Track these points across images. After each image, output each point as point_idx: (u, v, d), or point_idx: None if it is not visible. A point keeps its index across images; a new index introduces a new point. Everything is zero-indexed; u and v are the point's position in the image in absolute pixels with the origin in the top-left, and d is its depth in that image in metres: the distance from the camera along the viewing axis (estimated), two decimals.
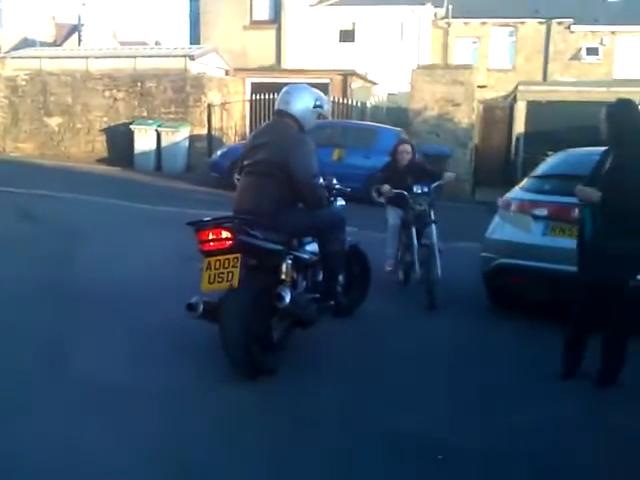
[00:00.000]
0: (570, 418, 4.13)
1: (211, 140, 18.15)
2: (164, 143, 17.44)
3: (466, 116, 17.27)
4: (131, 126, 17.66)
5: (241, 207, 4.72)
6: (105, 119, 18.64)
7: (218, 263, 4.35)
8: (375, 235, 7.85)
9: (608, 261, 4.39)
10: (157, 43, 39.02)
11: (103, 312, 5.59)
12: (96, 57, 19.34)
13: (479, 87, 19.95)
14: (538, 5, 27.88)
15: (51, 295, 5.94)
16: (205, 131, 18.19)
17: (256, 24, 25.44)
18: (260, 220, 4.49)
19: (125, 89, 18.49)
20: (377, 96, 20.62)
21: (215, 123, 18.37)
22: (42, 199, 11.12)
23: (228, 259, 4.32)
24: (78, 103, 18.72)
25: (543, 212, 5.92)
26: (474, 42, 28.77)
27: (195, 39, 25.68)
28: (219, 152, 15.75)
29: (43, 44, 29.23)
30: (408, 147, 7.40)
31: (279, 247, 4.52)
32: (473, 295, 6.60)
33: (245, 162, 4.89)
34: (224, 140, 18.44)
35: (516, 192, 6.47)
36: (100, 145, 18.76)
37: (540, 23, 28.12)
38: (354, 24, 26.25)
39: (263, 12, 25.66)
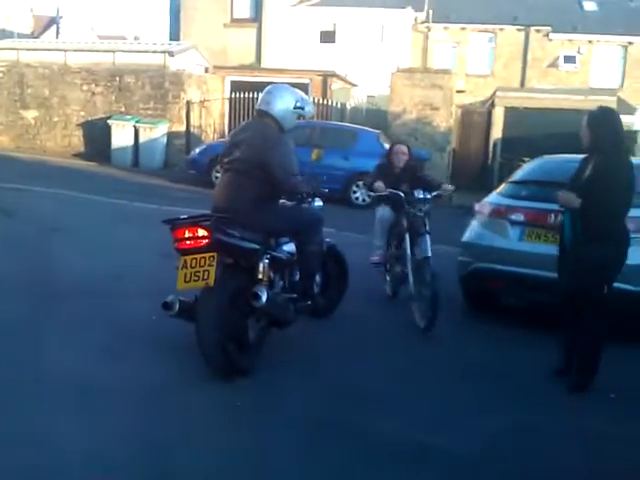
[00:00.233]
0: (552, 423, 4.17)
1: (189, 137, 18.05)
2: (142, 139, 17.31)
3: (444, 120, 17.39)
4: (109, 121, 17.50)
5: (219, 205, 4.70)
6: (82, 113, 18.45)
7: (194, 262, 4.32)
8: (354, 236, 7.88)
9: (586, 267, 4.44)
10: (136, 38, 38.71)
11: (78, 309, 5.53)
12: (75, 50, 19.12)
13: (458, 92, 20.08)
14: (517, 12, 28.12)
15: (27, 291, 5.85)
16: (183, 128, 18.09)
17: (237, 22, 25.39)
18: (237, 218, 4.48)
19: (103, 83, 18.31)
20: (356, 98, 20.67)
21: (194, 120, 18.28)
22: (17, 193, 10.97)
23: (204, 257, 4.30)
24: (55, 96, 18.50)
25: (520, 217, 5.98)
26: (454, 47, 28.93)
27: (175, 35, 25.56)
28: (197, 149, 15.69)
29: (21, 35, 28.88)
30: (404, 148, 6.88)
31: (256, 246, 4.50)
32: (451, 298, 6.63)
33: (224, 159, 4.88)
34: (202, 138, 18.36)
35: (493, 197, 6.52)
36: (77, 139, 18.56)
37: (519, 30, 28.35)
38: (335, 25, 26.27)
39: (244, 10, 25.62)
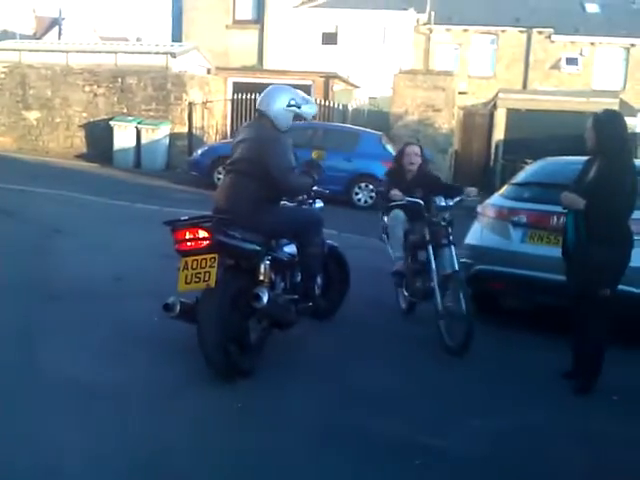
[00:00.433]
0: (554, 424, 4.16)
1: (192, 139, 18.05)
2: (144, 140, 17.32)
3: (446, 122, 17.39)
4: (111, 122, 17.51)
5: (220, 206, 4.70)
6: (84, 114, 18.47)
7: (195, 263, 4.31)
8: (355, 238, 7.85)
9: (589, 269, 4.44)
10: (138, 39, 38.73)
11: (79, 310, 5.52)
12: (77, 51, 19.15)
13: (460, 93, 20.09)
14: (519, 14, 28.11)
15: (28, 293, 5.85)
16: (186, 129, 18.10)
17: (239, 23, 25.41)
18: (239, 220, 4.47)
19: (105, 85, 18.33)
20: (358, 99, 20.68)
21: (196, 122, 18.28)
22: (19, 194, 10.98)
23: (205, 259, 4.29)
24: (57, 97, 18.52)
25: (522, 219, 5.96)
26: (456, 49, 28.93)
27: (177, 37, 25.58)
28: (200, 151, 15.67)
29: (23, 37, 28.92)
30: (416, 148, 6.27)
31: (257, 247, 4.49)
32: None
33: (228, 160, 4.90)
34: (205, 139, 18.36)
35: (495, 199, 6.51)
36: (79, 141, 18.57)
37: (521, 32, 28.33)
38: (337, 27, 26.27)
39: (246, 12, 25.64)
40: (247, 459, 3.48)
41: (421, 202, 5.65)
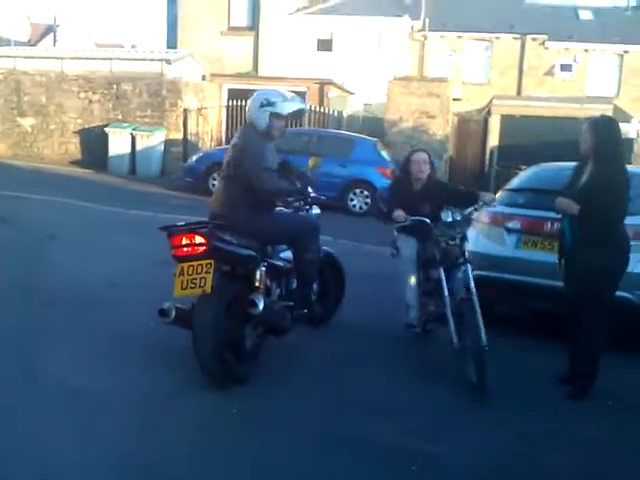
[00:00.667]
0: (549, 430, 4.15)
1: (187, 145, 18.05)
2: (139, 147, 17.30)
3: (441, 128, 17.43)
4: (106, 129, 17.50)
5: (215, 212, 4.70)
6: (79, 121, 18.44)
7: (191, 269, 4.31)
8: (351, 244, 7.86)
9: (587, 273, 4.45)
10: (133, 46, 38.74)
11: (74, 316, 5.52)
12: (71, 58, 19.13)
13: (454, 100, 20.14)
14: (513, 21, 28.22)
15: (21, 298, 5.84)
16: (181, 136, 18.09)
17: (234, 30, 25.45)
18: (235, 225, 4.47)
19: (100, 91, 18.32)
20: (353, 106, 20.72)
21: (191, 128, 18.28)
22: (14, 201, 10.95)
23: (201, 265, 4.29)
24: (52, 104, 18.50)
25: (516, 225, 5.98)
26: (450, 55, 29.01)
27: (172, 43, 25.58)
28: (194, 157, 15.67)
29: (17, 43, 28.90)
30: (425, 155, 5.64)
31: (253, 253, 4.50)
32: None
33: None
34: (200, 145, 18.36)
35: None
36: (74, 147, 18.55)
37: (515, 38, 28.43)
38: (332, 33, 26.35)
39: (241, 18, 25.69)
40: (242, 464, 3.48)
41: (428, 221, 5.14)
